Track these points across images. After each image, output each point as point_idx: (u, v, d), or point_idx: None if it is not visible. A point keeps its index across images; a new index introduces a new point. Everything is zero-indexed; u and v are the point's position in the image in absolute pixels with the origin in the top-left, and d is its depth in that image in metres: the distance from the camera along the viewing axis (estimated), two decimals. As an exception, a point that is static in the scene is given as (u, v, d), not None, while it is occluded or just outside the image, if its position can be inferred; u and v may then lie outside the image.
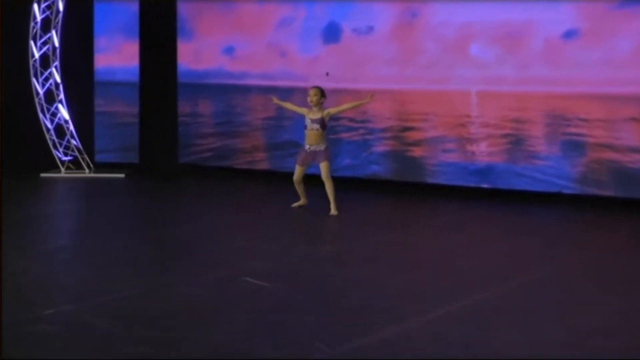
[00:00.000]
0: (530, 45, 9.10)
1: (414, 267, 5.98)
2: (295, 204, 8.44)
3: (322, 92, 8.23)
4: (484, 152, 9.44)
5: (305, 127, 8.22)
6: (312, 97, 8.16)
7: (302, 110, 8.31)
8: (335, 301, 4.96)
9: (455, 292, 5.21)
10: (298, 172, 8.33)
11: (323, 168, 8.17)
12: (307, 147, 8.21)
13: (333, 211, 8.11)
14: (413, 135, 9.92)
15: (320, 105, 8.16)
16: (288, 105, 8.61)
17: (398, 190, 9.90)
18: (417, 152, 9.87)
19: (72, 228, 7.57)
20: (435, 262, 6.16)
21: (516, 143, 9.26)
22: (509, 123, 9.33)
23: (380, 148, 10.14)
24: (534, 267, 6.01)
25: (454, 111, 9.61)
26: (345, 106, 8.44)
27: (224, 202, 9.31)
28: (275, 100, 8.71)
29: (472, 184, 9.53)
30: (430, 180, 9.81)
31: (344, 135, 10.38)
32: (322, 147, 8.17)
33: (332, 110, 8.31)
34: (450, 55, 9.57)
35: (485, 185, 9.48)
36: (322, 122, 8.16)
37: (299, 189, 8.44)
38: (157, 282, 5.28)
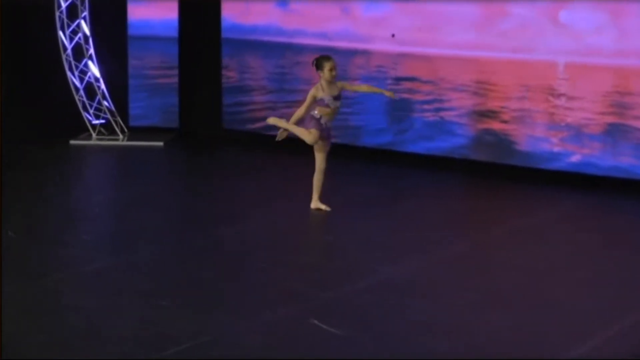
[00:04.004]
0: (634, 10, 8.79)
1: (493, 298, 5.83)
2: (318, 206, 8.01)
3: None
4: (573, 133, 9.24)
5: (327, 105, 7.65)
6: (335, 70, 7.66)
7: (313, 96, 7.66)
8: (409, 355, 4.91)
9: (551, 344, 5.13)
10: (323, 155, 7.88)
11: (326, 152, 7.90)
12: (325, 122, 7.75)
13: (325, 207, 7.98)
14: (492, 110, 9.74)
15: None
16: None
17: (475, 171, 9.75)
18: (497, 129, 9.69)
19: (112, 232, 7.57)
20: (518, 290, 6.01)
21: (611, 124, 9.04)
22: (603, 100, 9.08)
23: (454, 122, 9.98)
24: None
25: (540, 85, 9.38)
26: (358, 87, 8.09)
27: (282, 183, 9.27)
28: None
29: (560, 168, 9.36)
30: (512, 161, 9.65)
31: (415, 107, 10.23)
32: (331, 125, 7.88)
33: (346, 86, 7.96)
34: (538, 20, 9.31)
35: (573, 170, 9.31)
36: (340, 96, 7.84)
37: (321, 181, 7.96)
38: (219, 322, 5.27)
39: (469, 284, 6.13)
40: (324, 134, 7.80)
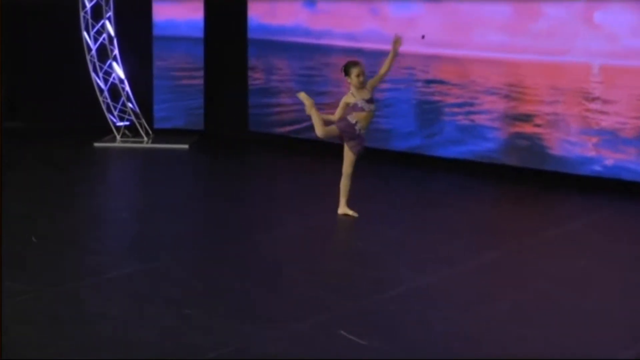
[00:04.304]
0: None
1: (524, 309, 5.78)
2: (346, 212, 8.03)
3: None
4: (608, 137, 9.20)
5: (361, 109, 7.66)
6: (363, 75, 7.70)
7: (345, 103, 7.72)
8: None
9: (582, 356, 5.11)
10: (351, 159, 7.89)
11: (355, 157, 7.85)
12: (360, 128, 7.74)
13: (353, 212, 8.02)
14: (524, 114, 9.72)
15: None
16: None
17: (506, 176, 9.76)
18: (529, 134, 9.68)
19: (136, 237, 7.61)
20: (550, 301, 5.98)
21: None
22: (639, 104, 9.08)
23: (486, 126, 9.98)
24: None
25: (573, 88, 9.36)
26: (382, 71, 7.91)
27: (309, 188, 9.28)
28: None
29: (594, 174, 9.32)
30: (545, 167, 9.64)
31: (446, 110, 10.24)
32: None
33: (374, 82, 7.89)
34: (572, 21, 9.29)
35: (608, 176, 9.27)
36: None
37: (348, 186, 7.99)
38: (245, 332, 5.28)
39: (500, 295, 6.14)
40: (350, 136, 7.77)
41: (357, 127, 7.75)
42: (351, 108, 7.72)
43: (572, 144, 9.42)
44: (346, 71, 7.73)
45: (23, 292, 5.78)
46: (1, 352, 4.55)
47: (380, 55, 10.49)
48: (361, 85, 7.70)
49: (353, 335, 5.28)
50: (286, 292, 6.13)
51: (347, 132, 7.74)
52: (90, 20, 11.40)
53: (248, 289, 6.17)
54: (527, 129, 9.67)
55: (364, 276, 6.51)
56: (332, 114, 7.88)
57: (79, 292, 5.98)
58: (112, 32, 11.60)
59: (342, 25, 10.89)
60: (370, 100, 7.76)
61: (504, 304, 5.94)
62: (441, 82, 10.24)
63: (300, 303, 5.90)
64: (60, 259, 6.73)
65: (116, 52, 11.66)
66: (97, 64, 11.50)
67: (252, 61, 11.75)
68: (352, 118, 7.73)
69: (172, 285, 6.19)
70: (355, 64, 7.74)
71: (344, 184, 7.97)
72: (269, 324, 5.49)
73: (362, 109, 7.71)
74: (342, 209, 8.01)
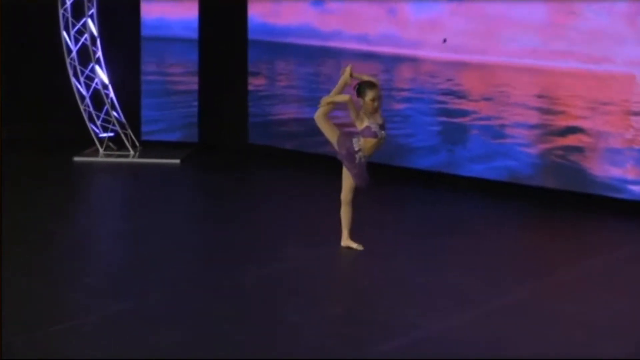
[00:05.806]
0: None
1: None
2: (349, 244, 7.92)
3: None
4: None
5: (374, 135, 7.54)
6: (379, 100, 7.58)
7: (361, 119, 7.59)
8: None
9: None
10: (349, 186, 7.79)
11: (355, 186, 7.78)
12: (362, 157, 7.64)
13: (357, 245, 7.94)
14: (559, 129, 9.70)
15: None
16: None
17: (538, 199, 9.73)
18: (564, 152, 9.65)
19: (119, 272, 7.47)
20: (585, 352, 6.00)
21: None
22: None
23: (515, 143, 9.96)
24: None
25: (615, 100, 9.33)
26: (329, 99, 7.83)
27: (313, 211, 9.20)
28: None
29: (638, 198, 9.31)
30: (581, 189, 9.61)
31: (469, 123, 10.22)
32: None
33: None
34: (614, 26, 9.27)
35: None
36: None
37: (349, 215, 7.89)
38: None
39: (529, 343, 6.07)
40: (350, 163, 7.69)
41: (357, 156, 7.64)
42: (362, 131, 7.60)
43: (613, 164, 9.38)
44: (360, 92, 7.55)
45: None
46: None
47: (397, 60, 10.57)
48: (375, 111, 7.57)
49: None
50: (284, 339, 6.08)
51: (348, 158, 7.67)
52: (70, 19, 11.41)
53: (241, 334, 6.11)
54: (563, 146, 9.63)
55: (371, 321, 6.40)
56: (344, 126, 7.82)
57: (56, 339, 5.94)
58: (94, 32, 11.61)
59: (354, 26, 10.88)
60: (382, 126, 7.64)
61: (535, 354, 5.89)
62: (466, 91, 10.21)
63: (300, 353, 5.87)
64: (34, 299, 6.69)
65: (99, 54, 11.67)
66: (78, 67, 11.51)
67: (252, 65, 11.76)
68: (357, 145, 7.63)
69: (156, 330, 6.14)
70: (371, 85, 7.56)
71: (344, 213, 7.85)
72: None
73: (374, 135, 7.57)
74: (345, 241, 7.90)
